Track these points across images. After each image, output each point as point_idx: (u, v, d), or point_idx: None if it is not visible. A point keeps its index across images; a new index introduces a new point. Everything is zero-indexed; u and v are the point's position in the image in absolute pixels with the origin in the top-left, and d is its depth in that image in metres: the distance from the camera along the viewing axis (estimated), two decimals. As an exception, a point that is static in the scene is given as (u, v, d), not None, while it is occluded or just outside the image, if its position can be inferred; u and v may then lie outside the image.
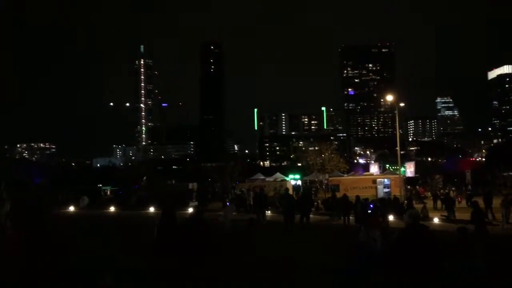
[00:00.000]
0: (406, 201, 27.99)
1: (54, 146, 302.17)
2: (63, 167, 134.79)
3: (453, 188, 39.71)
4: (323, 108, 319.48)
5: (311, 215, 27.24)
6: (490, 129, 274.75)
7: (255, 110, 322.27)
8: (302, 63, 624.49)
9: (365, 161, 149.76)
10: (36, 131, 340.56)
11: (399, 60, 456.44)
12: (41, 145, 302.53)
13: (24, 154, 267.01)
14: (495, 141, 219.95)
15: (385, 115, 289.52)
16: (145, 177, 53.20)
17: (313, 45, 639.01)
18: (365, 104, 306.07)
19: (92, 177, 77.12)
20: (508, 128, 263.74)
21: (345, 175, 54.70)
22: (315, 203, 29.88)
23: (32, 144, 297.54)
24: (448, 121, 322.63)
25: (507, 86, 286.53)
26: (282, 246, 13.99)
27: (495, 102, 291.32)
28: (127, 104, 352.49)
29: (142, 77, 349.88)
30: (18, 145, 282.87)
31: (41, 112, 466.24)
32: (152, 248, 11.57)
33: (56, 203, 34.64)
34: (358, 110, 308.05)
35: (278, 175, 56.71)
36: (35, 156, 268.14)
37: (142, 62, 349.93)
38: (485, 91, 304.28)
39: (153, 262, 10.32)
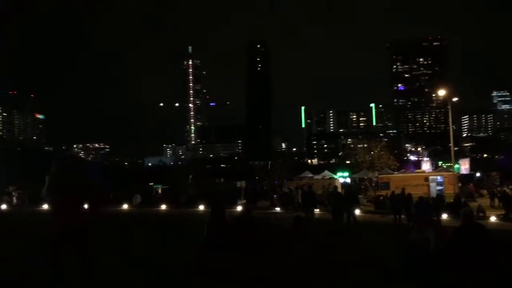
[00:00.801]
0: (463, 199, 27.09)
1: (108, 146, 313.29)
2: (117, 166, 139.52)
3: (510, 186, 37.92)
4: (372, 105, 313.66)
5: (358, 213, 26.95)
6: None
7: (303, 107, 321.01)
8: (350, 59, 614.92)
9: (416, 158, 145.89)
10: (90, 132, 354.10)
11: (451, 53, 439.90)
12: (96, 145, 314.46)
13: (80, 154, 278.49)
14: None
15: (437, 110, 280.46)
16: (191, 176, 54.08)
17: (361, 40, 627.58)
18: (416, 100, 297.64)
19: (144, 176, 79.39)
20: None
21: (396, 172, 53.49)
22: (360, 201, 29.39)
23: (88, 144, 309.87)
24: (505, 116, 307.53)
25: None
26: (329, 245, 13.87)
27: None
28: (177, 104, 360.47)
29: (190, 77, 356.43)
30: (74, 146, 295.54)
31: (95, 113, 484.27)
32: (201, 246, 11.81)
33: (109, 201, 36.03)
34: (408, 105, 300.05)
35: (326, 173, 56.21)
36: (90, 156, 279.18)
37: (190, 62, 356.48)
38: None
39: (202, 259, 10.51)
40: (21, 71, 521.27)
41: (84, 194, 6.52)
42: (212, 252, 11.05)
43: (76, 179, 6.52)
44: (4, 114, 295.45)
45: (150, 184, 54.46)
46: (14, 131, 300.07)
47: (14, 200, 43.41)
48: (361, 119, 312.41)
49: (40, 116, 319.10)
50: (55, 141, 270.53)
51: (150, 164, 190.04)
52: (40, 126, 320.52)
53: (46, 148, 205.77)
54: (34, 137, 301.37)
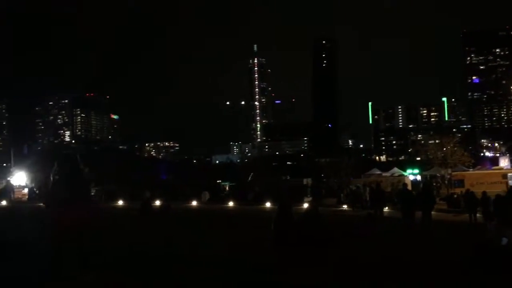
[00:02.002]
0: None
1: (177, 145, 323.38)
2: (186, 164, 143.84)
3: None
4: (444, 99, 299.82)
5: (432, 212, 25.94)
6: None
7: (370, 103, 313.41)
8: (420, 51, 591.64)
9: (493, 154, 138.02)
10: (161, 131, 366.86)
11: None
12: (166, 143, 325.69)
13: (152, 153, 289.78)
14: None
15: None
16: (252, 174, 54.53)
17: (431, 31, 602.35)
18: (492, 93, 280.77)
19: (212, 173, 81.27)
20: None
21: (470, 169, 50.92)
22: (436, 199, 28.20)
23: (159, 143, 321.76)
24: None
25: None
26: (398, 244, 13.50)
27: None
28: (242, 103, 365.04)
29: (256, 75, 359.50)
30: (146, 144, 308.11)
31: (165, 113, 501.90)
32: (269, 241, 11.94)
33: (180, 197, 37.27)
34: (484, 99, 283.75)
35: (396, 170, 54.55)
36: (161, 154, 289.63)
37: (255, 60, 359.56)
38: None
39: (271, 255, 10.62)
40: (94, 73, 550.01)
41: (83, 191, 6.90)
42: (279, 248, 11.14)
43: (76, 176, 6.94)
44: (82, 115, 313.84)
45: (218, 181, 55.65)
46: (91, 131, 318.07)
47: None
48: (432, 114, 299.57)
49: (115, 117, 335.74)
50: (128, 140, 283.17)
51: (217, 161, 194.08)
52: (115, 126, 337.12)
53: (120, 147, 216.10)
54: (110, 137, 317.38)
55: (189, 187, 44.25)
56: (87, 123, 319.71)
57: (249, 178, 51.97)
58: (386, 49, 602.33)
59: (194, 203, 35.44)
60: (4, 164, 75.17)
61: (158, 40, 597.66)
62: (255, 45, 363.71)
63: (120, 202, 33.69)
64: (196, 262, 9.67)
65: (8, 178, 44.09)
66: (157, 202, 32.73)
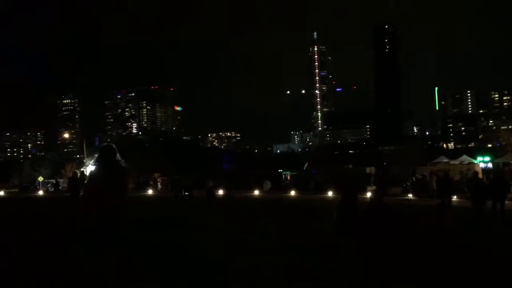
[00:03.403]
0: None
1: (239, 135, 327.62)
2: (247, 153, 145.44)
3: None
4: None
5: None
6: None
7: (436, 88, 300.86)
8: (490, 32, 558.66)
9: None
10: (223, 122, 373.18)
11: None
12: (228, 134, 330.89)
13: (215, 143, 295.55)
14: None
15: None
16: (307, 163, 54.10)
17: (502, 8, 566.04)
18: None
19: (273, 162, 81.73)
20: None
21: (548, 156, 47.73)
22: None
23: (221, 133, 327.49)
24: None
25: None
26: (468, 236, 12.96)
27: None
28: (303, 91, 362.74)
29: (316, 63, 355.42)
30: (209, 135, 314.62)
31: (226, 104, 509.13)
32: (332, 230, 11.88)
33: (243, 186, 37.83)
34: None
35: (465, 158, 52.16)
36: (223, 144, 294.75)
37: (316, 48, 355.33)
38: None
39: (333, 243, 10.57)
40: (159, 65, 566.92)
41: (119, 180, 7.07)
42: (342, 238, 11.07)
43: (115, 166, 7.12)
44: (148, 107, 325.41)
45: (279, 170, 55.88)
46: (157, 123, 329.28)
47: (159, 186, 47.82)
48: (504, 98, 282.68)
49: (178, 108, 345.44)
50: (192, 131, 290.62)
51: (278, 151, 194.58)
52: (179, 117, 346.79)
53: (184, 137, 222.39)
54: (174, 128, 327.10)
55: (250, 176, 44.79)
56: (153, 115, 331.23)
57: (304, 168, 51.74)
58: (451, 31, 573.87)
59: (256, 192, 35.89)
60: (78, 156, 79.63)
61: (222, 33, 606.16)
62: (315, 33, 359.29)
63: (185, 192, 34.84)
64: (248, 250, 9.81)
65: (82, 169, 46.72)
66: (220, 191, 33.50)
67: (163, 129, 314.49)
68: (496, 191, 17.84)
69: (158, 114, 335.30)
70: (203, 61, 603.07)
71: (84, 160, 59.21)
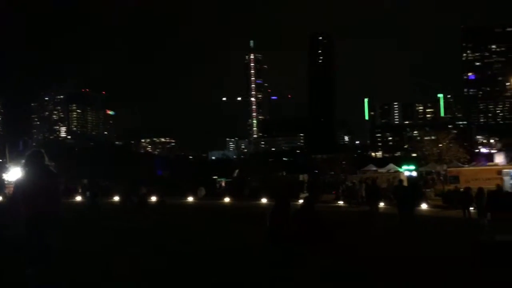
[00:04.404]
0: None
1: (173, 141, 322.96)
2: (182, 160, 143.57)
3: None
4: (440, 95, 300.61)
5: (425, 208, 26.10)
6: None
7: (366, 99, 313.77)
8: (416, 48, 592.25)
9: (488, 151, 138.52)
10: (158, 127, 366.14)
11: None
12: (162, 139, 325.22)
13: (148, 148, 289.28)
14: None
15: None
16: (237, 170, 54.36)
17: (429, 27, 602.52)
18: (488, 89, 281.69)
19: (208, 169, 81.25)
20: None
21: (466, 165, 51.06)
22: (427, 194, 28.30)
23: (155, 139, 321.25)
24: None
25: None
26: (395, 240, 13.56)
27: None
28: (239, 98, 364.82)
29: (252, 71, 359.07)
30: (142, 140, 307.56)
31: (161, 109, 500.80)
32: (265, 236, 11.95)
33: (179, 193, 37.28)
34: (480, 95, 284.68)
35: (391, 166, 54.69)
36: (157, 150, 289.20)
37: (252, 56, 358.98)
38: None
39: (265, 250, 10.64)
40: (91, 69, 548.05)
41: (50, 183, 6.88)
42: (275, 244, 11.15)
43: (45, 171, 6.96)
44: (78, 111, 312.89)
45: (214, 177, 55.64)
46: (87, 127, 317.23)
47: (87, 193, 45.91)
48: (428, 110, 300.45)
49: (110, 112, 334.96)
50: (125, 136, 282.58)
51: (214, 157, 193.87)
52: (111, 122, 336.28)
53: (117, 142, 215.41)
54: (106, 132, 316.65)
55: (185, 183, 44.25)
56: (83, 118, 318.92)
57: (234, 174, 51.97)
58: (383, 46, 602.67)
59: (190, 198, 35.48)
60: (0, 160, 74.93)
61: (153, 37, 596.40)
62: (252, 41, 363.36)
63: (116, 198, 33.71)
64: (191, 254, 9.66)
65: (3, 174, 43.98)
66: (153, 198, 32.78)
67: (94, 133, 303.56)
68: (410, 199, 18.92)
69: (89, 118, 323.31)
70: (138, 66, 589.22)
71: (7, 165, 55.71)
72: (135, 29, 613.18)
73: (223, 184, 48.59)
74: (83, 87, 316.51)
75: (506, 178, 34.88)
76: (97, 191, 29.46)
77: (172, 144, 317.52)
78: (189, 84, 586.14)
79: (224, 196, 36.30)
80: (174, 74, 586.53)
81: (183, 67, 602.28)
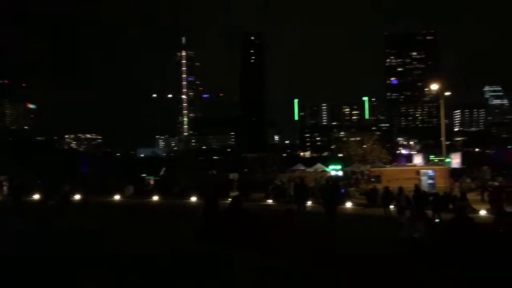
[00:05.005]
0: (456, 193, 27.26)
1: (100, 137, 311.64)
2: (108, 157, 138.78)
3: (500, 180, 38.12)
4: (365, 98, 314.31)
5: (350, 206, 27.15)
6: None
7: (296, 100, 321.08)
8: (344, 52, 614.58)
9: (408, 152, 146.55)
10: (83, 122, 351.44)
11: (444, 48, 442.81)
12: (88, 135, 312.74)
13: (72, 145, 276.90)
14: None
15: (430, 104, 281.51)
16: (164, 168, 53.62)
17: (356, 33, 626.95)
18: (409, 94, 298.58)
19: (136, 167, 79.14)
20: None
21: (387, 166, 53.70)
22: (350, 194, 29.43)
23: (80, 135, 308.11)
24: (497, 111, 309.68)
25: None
26: (321, 237, 13.94)
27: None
28: (170, 96, 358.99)
29: (184, 68, 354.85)
30: (66, 136, 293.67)
31: (87, 104, 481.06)
32: (194, 235, 11.83)
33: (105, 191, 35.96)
34: (401, 99, 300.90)
35: (319, 166, 56.37)
36: (82, 146, 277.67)
37: (184, 53, 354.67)
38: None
39: (195, 248, 10.53)
40: (12, 60, 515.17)
41: None
42: (203, 243, 11.07)
43: None
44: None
45: (143, 175, 54.29)
46: (5, 121, 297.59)
47: (4, 190, 43.10)
48: (354, 112, 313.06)
49: (31, 106, 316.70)
50: (47, 131, 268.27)
51: (142, 155, 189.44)
52: (32, 116, 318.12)
53: (38, 138, 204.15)
54: (26, 127, 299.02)
55: (111, 181, 42.77)
56: (1, 112, 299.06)
57: (161, 173, 51.12)
58: (313, 48, 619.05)
59: (117, 197, 34.40)
60: None
61: (83, 27, 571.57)
62: (183, 38, 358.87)
63: (36, 196, 31.95)
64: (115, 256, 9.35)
65: None
66: (77, 196, 31.41)
67: (13, 127, 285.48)
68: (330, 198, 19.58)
69: (7, 111, 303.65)
70: (64, 58, 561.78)
71: None
72: (65, 20, 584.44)
73: (151, 182, 47.50)
74: (2, 77, 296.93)
75: (423, 178, 37.12)
76: (18, 188, 27.71)
77: (99, 140, 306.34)
78: (118, 80, 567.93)
79: (153, 195, 35.57)
80: (102, 69, 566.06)
81: (113, 62, 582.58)
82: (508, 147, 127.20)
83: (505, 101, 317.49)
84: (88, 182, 42.37)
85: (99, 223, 16.98)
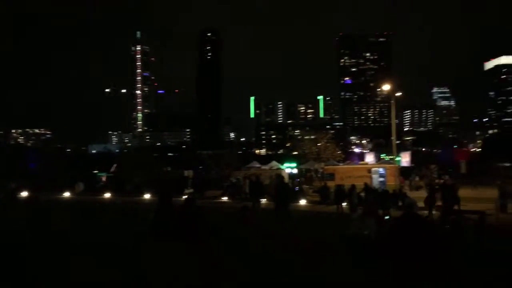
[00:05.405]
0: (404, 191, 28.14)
1: (49, 132, 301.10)
2: (58, 152, 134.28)
3: (446, 178, 39.70)
4: (320, 97, 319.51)
5: (304, 203, 27.52)
6: (485, 119, 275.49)
7: (252, 98, 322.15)
8: (300, 51, 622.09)
9: (360, 151, 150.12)
10: (31, 117, 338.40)
11: (396, 49, 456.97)
12: (37, 130, 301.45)
13: (19, 140, 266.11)
14: (490, 131, 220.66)
15: (382, 104, 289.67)
16: (115, 165, 52.63)
17: (311, 32, 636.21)
18: (362, 94, 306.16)
19: (88, 163, 77.06)
20: (504, 119, 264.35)
21: (341, 164, 54.84)
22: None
23: (28, 129, 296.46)
24: (444, 111, 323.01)
25: (503, 77, 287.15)
26: (275, 235, 14.06)
27: (491, 93, 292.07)
28: (124, 91, 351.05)
29: (139, 63, 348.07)
30: (13, 130, 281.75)
31: (37, 98, 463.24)
32: (147, 233, 11.65)
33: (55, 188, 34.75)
34: (354, 99, 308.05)
35: (274, 164, 56.79)
36: (30, 141, 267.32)
37: (138, 48, 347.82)
38: (482, 81, 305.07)
39: (148, 246, 10.38)
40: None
41: None
42: (158, 240, 10.93)
43: None
44: None
45: (94, 171, 52.96)
46: None
47: None
48: (309, 111, 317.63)
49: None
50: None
51: (94, 151, 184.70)
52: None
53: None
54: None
55: (61, 177, 41.43)
56: None
57: (112, 169, 50.13)
58: (270, 46, 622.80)
59: (67, 194, 33.37)
60: None
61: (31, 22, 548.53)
62: (139, 32, 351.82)
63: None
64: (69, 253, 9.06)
65: None
66: (24, 193, 30.24)
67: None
68: (280, 196, 19.80)
69: None
70: (19, 51, 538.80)
71: None
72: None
73: (103, 179, 46.37)
74: None
75: (374, 176, 38.17)
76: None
77: (48, 135, 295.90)
78: (69, 73, 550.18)
79: (105, 192, 34.74)
80: (52, 62, 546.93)
81: (63, 55, 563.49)
82: (455, 146, 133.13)
83: (452, 103, 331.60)
84: (36, 178, 40.85)
85: (45, 221, 16.40)
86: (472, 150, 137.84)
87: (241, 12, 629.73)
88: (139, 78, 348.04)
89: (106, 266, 8.28)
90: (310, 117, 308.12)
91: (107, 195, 33.43)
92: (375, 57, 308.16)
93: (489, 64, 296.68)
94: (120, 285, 7.10)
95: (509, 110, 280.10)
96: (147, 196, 31.05)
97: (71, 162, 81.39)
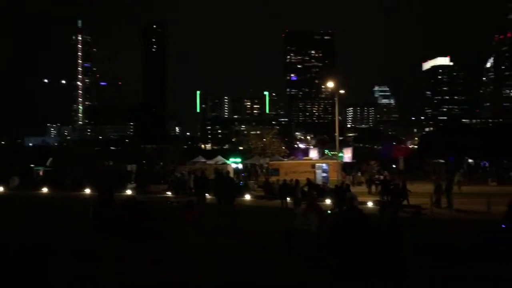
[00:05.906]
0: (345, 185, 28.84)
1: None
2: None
3: (385, 173, 41.22)
4: (266, 93, 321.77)
5: (249, 198, 27.70)
6: (422, 118, 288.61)
7: (198, 92, 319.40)
8: (247, 46, 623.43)
9: (305, 146, 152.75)
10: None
11: (340, 47, 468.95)
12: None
13: None
14: (427, 129, 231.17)
15: (326, 101, 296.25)
16: (51, 158, 50.66)
17: (259, 28, 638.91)
18: (307, 90, 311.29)
19: (24, 157, 73.52)
20: (439, 118, 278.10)
21: (285, 159, 55.56)
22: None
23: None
24: (385, 109, 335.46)
25: (439, 77, 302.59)
26: (219, 231, 14.04)
27: (428, 92, 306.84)
28: (63, 81, 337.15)
29: (80, 53, 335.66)
30: None
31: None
32: (87, 229, 11.30)
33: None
34: (300, 95, 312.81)
35: (219, 158, 56.64)
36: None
37: (79, 37, 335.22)
38: (420, 81, 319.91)
39: (89, 242, 10.05)
40: None
41: None
42: (98, 236, 10.61)
43: None
44: None
45: (31, 165, 50.60)
46: None
47: None
48: (255, 106, 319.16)
49: None
50: None
51: (31, 144, 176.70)
52: None
53: None
54: None
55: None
56: None
57: (48, 163, 48.20)
58: (217, 40, 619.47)
59: (0, 189, 31.73)
60: None
61: None
62: (80, 21, 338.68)
63: None
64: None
65: None
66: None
67: None
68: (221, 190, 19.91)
69: None
70: None
71: None
72: None
73: (41, 173, 44.40)
74: None
75: (318, 171, 38.96)
76: None
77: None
78: (4, 62, 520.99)
79: (42, 187, 33.32)
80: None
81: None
82: (394, 143, 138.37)
83: (392, 101, 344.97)
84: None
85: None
86: (410, 146, 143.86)
87: (190, 5, 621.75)
88: (80, 69, 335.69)
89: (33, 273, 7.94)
90: (256, 112, 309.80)
91: (45, 190, 32.10)
92: (320, 54, 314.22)
93: (427, 65, 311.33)
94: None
95: (444, 109, 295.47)
96: (87, 191, 30.10)
97: (6, 156, 77.35)
